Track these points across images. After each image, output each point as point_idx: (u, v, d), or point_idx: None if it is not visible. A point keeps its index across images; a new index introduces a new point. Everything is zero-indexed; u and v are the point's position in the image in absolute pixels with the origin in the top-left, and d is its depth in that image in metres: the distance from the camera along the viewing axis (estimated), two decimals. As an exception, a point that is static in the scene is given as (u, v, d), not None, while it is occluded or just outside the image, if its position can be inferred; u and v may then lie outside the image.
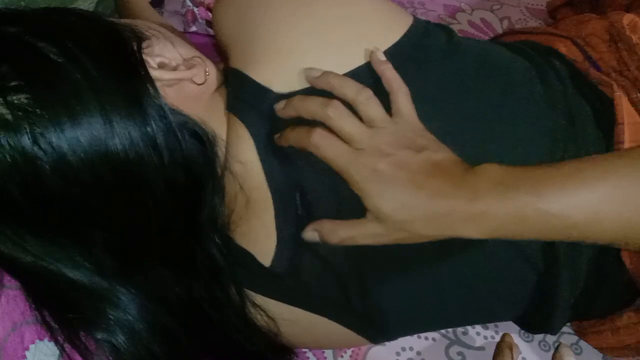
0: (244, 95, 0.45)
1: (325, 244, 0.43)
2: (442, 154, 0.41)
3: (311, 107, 0.42)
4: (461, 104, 0.46)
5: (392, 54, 0.45)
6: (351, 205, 0.42)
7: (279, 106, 0.44)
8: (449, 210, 0.39)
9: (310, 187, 0.45)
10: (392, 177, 0.39)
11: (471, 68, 0.48)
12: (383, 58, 0.44)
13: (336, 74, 0.43)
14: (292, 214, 0.45)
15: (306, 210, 0.45)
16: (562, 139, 0.48)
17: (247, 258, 0.46)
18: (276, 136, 0.44)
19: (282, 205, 0.45)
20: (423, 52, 0.46)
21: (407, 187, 0.39)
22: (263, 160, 0.44)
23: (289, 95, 0.44)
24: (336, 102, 0.42)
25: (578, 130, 0.49)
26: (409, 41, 0.46)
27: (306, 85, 0.44)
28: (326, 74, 0.43)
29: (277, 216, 0.45)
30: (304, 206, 0.45)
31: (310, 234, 0.43)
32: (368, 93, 0.43)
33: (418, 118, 0.43)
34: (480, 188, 0.39)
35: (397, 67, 0.44)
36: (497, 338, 0.60)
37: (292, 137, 0.43)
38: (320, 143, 0.41)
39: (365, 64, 0.45)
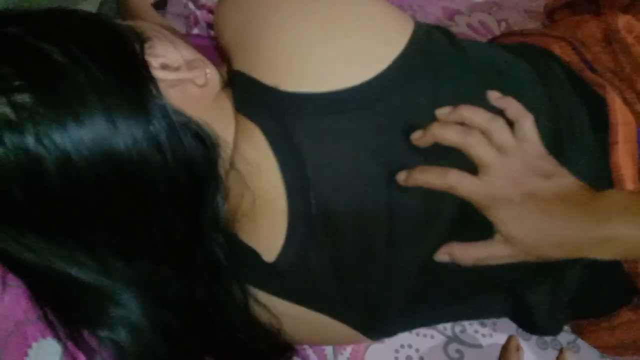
0: (253, 98, 0.45)
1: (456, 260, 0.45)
2: (568, 179, 0.44)
3: (451, 135, 0.44)
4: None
5: (400, 61, 0.45)
6: (366, 204, 0.44)
7: (416, 135, 0.44)
8: (578, 236, 0.42)
9: (325, 187, 0.44)
10: (525, 206, 0.42)
11: (476, 71, 0.49)
12: (498, 95, 0.46)
13: (467, 106, 0.45)
14: (306, 213, 0.45)
15: (320, 210, 0.45)
16: (564, 140, 0.49)
17: (252, 255, 0.46)
18: (400, 177, 0.44)
19: (297, 204, 0.44)
20: (428, 57, 0.46)
21: (539, 214, 0.42)
22: (280, 160, 0.44)
23: (299, 95, 0.43)
24: (475, 131, 0.44)
25: (576, 130, 0.50)
26: (415, 46, 0.46)
27: (315, 89, 0.43)
28: (458, 108, 0.45)
29: (290, 214, 0.44)
30: (319, 206, 0.45)
31: (443, 256, 0.46)
32: (500, 121, 0.44)
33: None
34: (609, 213, 0.42)
35: (404, 75, 0.45)
36: (495, 336, 0.61)
37: (424, 178, 0.44)
38: (457, 183, 0.43)
39: (379, 74, 0.44)
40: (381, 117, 0.44)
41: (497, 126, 0.44)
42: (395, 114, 0.45)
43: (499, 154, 0.43)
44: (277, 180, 0.44)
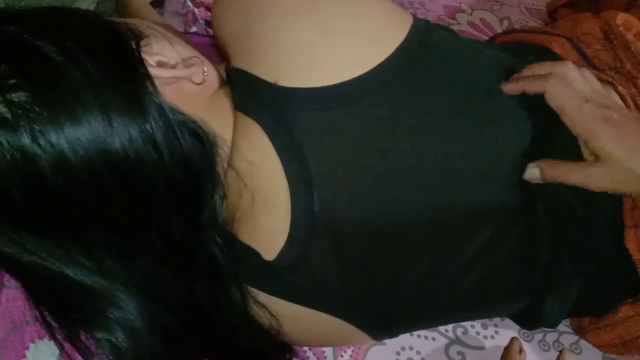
0: (253, 95, 0.45)
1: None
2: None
3: (534, 85, 0.47)
4: (468, 102, 0.47)
5: (399, 52, 0.45)
6: (370, 200, 0.44)
7: (507, 83, 0.48)
8: None
9: (328, 184, 0.44)
10: (620, 123, 0.44)
11: (478, 67, 0.49)
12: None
13: (537, 71, 0.49)
14: (309, 211, 0.44)
15: (324, 208, 0.44)
16: (564, 137, 0.48)
17: (251, 255, 0.46)
18: (506, 82, 0.48)
19: (300, 202, 0.44)
20: (429, 49, 0.47)
21: (634, 131, 0.44)
22: (282, 157, 0.44)
23: (299, 90, 0.43)
24: (568, 61, 0.49)
25: None
26: (414, 39, 0.46)
27: (314, 84, 0.43)
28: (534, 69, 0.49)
29: (293, 212, 0.44)
30: (322, 204, 0.44)
31: (531, 170, 0.48)
32: (585, 70, 0.48)
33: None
34: None
35: (404, 66, 0.45)
36: (497, 337, 0.60)
37: (527, 81, 0.47)
38: (556, 85, 0.46)
39: (378, 65, 0.44)
40: (382, 109, 0.44)
41: (586, 73, 0.48)
42: (397, 105, 0.44)
43: (573, 90, 0.46)
44: (280, 178, 0.44)
